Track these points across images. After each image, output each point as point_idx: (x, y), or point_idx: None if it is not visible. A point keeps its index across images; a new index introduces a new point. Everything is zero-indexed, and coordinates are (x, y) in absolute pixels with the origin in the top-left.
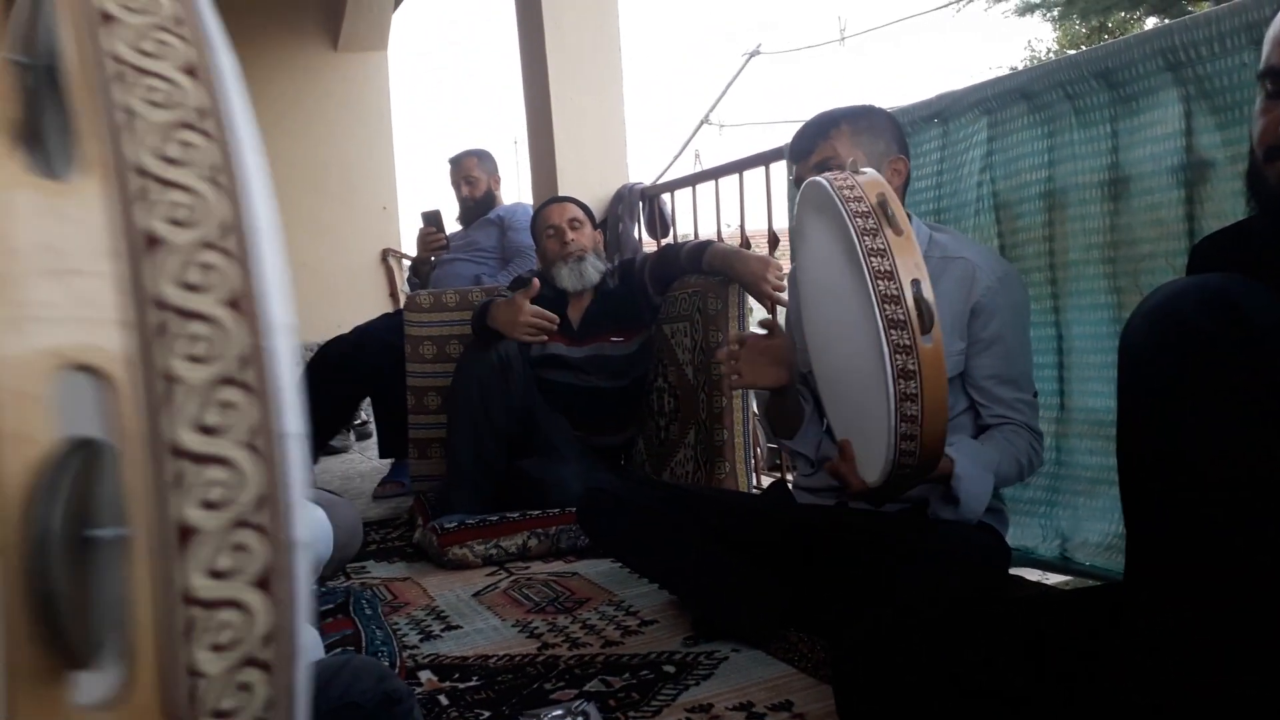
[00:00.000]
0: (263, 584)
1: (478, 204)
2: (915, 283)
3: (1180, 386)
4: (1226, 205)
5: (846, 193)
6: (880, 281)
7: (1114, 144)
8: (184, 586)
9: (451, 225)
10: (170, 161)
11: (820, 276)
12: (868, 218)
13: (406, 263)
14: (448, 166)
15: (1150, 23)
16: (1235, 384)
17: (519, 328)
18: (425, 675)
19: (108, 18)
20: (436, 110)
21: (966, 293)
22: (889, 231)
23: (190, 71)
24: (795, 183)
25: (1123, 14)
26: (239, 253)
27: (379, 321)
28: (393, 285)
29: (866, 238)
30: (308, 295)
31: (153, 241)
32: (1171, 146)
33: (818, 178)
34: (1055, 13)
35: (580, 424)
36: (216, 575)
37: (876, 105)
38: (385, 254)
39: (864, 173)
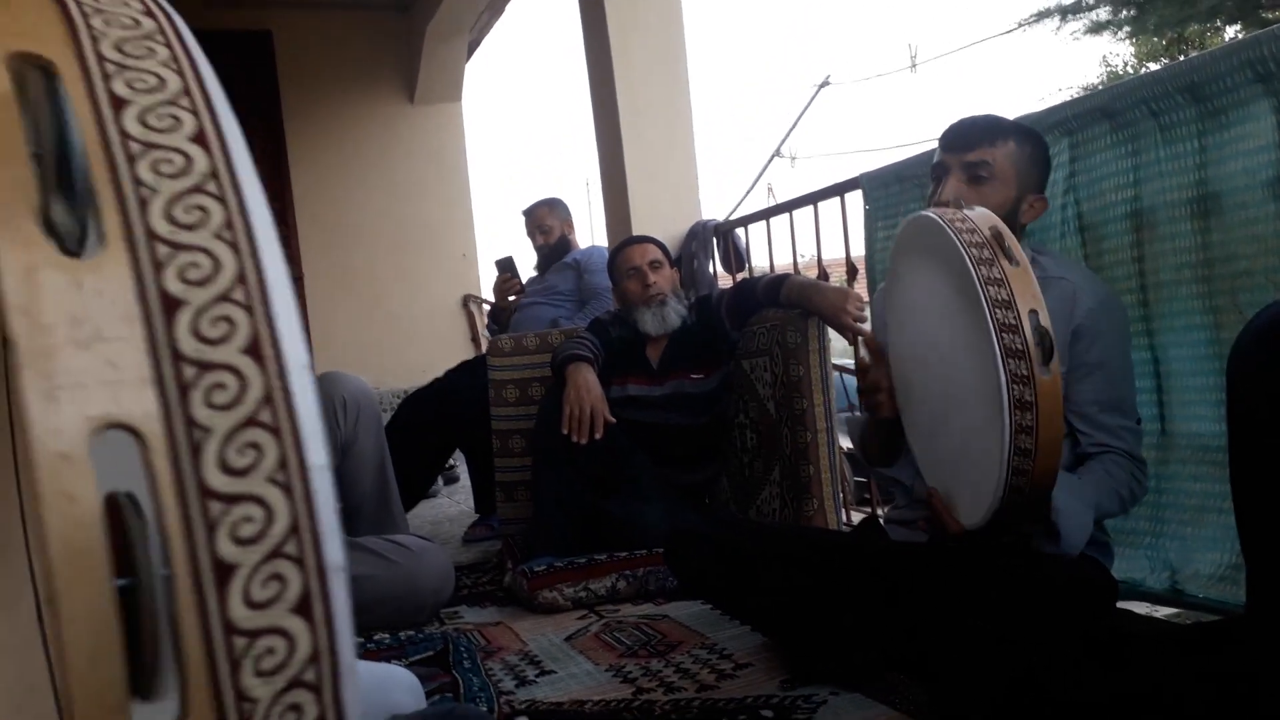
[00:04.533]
0: (302, 609)
1: (553, 250)
2: (1034, 313)
3: None
4: None
5: (959, 224)
6: (998, 310)
7: (1202, 159)
8: (226, 619)
9: (529, 272)
10: (183, 226)
11: (919, 312)
12: (983, 248)
13: (486, 308)
14: (521, 219)
15: (1230, 32)
16: None
17: (573, 405)
18: None
19: (118, 100)
20: (510, 156)
21: (1068, 314)
22: (1005, 262)
23: (198, 140)
24: (934, 170)
25: (1198, 25)
26: (253, 302)
27: (458, 371)
28: (474, 329)
29: (983, 267)
30: (394, 341)
31: (170, 302)
32: (1265, 160)
33: (927, 212)
34: (1125, 30)
35: (662, 462)
36: (255, 605)
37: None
38: (466, 299)
39: (975, 209)
